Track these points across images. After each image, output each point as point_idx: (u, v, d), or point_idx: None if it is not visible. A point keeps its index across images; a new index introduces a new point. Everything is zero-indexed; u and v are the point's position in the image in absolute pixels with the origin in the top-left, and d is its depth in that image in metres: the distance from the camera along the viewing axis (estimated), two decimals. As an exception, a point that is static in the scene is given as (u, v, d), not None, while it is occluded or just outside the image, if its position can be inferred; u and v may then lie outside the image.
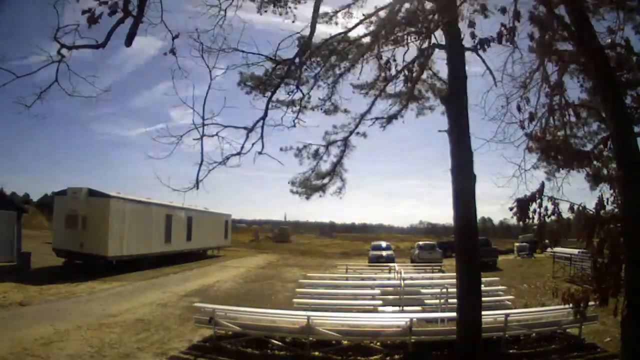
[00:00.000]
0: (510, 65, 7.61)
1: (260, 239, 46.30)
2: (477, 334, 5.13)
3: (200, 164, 6.11)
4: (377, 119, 8.57)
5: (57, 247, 16.81)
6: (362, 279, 15.23)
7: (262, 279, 16.65)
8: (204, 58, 6.07)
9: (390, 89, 8.55)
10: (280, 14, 7.07)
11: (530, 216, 4.58)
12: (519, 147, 7.73)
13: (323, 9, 7.06)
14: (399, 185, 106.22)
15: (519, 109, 7.08)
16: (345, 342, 6.87)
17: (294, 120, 7.52)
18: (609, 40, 6.96)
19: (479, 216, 5.63)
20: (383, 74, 8.22)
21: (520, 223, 4.68)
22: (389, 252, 24.07)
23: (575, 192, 7.79)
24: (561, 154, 6.67)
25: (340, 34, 7.56)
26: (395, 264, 18.82)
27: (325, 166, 8.53)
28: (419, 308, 9.52)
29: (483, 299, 5.81)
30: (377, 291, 11.00)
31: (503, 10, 6.17)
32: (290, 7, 7.04)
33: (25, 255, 15.82)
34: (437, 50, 7.57)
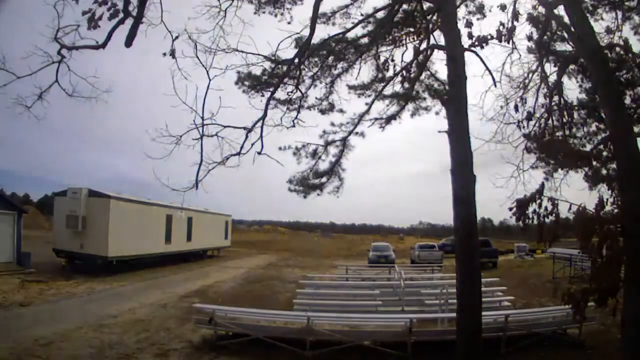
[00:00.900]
0: (509, 66, 7.67)
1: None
2: (477, 334, 5.12)
3: (200, 164, 6.12)
4: (376, 119, 8.57)
5: (57, 247, 16.80)
6: (362, 279, 15.25)
7: (263, 280, 16.63)
8: (203, 59, 6.08)
9: (389, 89, 8.56)
10: (276, 15, 7.09)
11: (530, 216, 4.59)
12: (518, 148, 7.77)
13: (321, 9, 7.09)
14: (399, 185, 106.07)
15: (516, 109, 7.11)
16: (345, 343, 6.87)
17: (293, 120, 7.53)
18: (608, 40, 6.98)
19: (478, 217, 5.62)
20: (381, 75, 8.23)
21: (520, 223, 4.69)
22: (389, 253, 24.02)
23: (575, 192, 7.80)
24: (560, 154, 6.67)
25: (338, 34, 7.57)
26: (395, 265, 18.81)
27: (323, 165, 8.53)
28: (419, 308, 9.52)
29: (483, 299, 5.81)
30: (377, 291, 11.00)
31: (503, 8, 6.19)
32: (287, 8, 7.06)
33: (25, 255, 15.83)
34: (435, 50, 7.59)
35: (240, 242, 36.27)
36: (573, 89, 8.21)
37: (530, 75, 7.89)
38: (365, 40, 7.81)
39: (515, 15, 6.28)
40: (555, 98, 7.63)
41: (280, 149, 8.05)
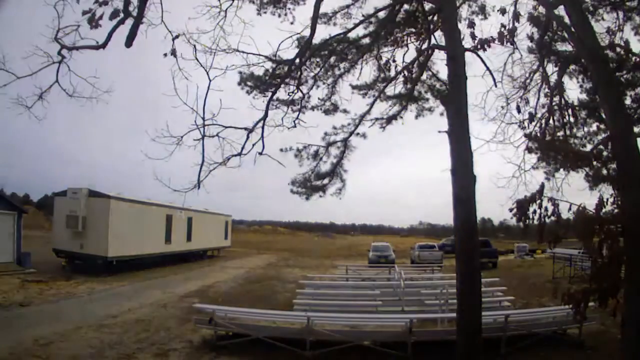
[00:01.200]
0: (510, 66, 7.68)
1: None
2: (477, 334, 5.12)
3: (201, 165, 6.12)
4: (377, 119, 8.57)
5: (57, 247, 16.80)
6: (362, 279, 15.25)
7: (263, 280, 16.63)
8: (204, 59, 6.07)
9: (390, 90, 8.56)
10: (279, 15, 7.09)
11: (530, 217, 4.59)
12: (519, 148, 7.78)
13: (322, 9, 7.08)
14: (398, 185, 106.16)
15: (518, 109, 7.12)
16: (345, 343, 6.86)
17: (294, 121, 7.53)
18: (609, 41, 6.98)
19: (478, 217, 5.62)
20: (382, 75, 8.23)
21: (521, 224, 4.69)
22: (389, 253, 24.01)
23: (575, 192, 7.81)
24: (561, 154, 6.67)
25: (339, 34, 7.57)
26: (395, 265, 18.81)
27: (325, 167, 8.51)
28: (419, 308, 9.52)
29: (483, 299, 5.81)
30: (377, 292, 11.00)
31: (503, 11, 6.20)
32: (289, 9, 7.06)
33: (25, 255, 15.83)
34: (437, 50, 7.59)
35: (240, 242, 36.28)
36: (574, 89, 8.23)
37: (531, 75, 7.90)
38: (366, 40, 7.81)
39: (516, 16, 6.28)
40: (556, 98, 7.64)
41: (281, 150, 8.05)
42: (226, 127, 6.35)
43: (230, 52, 6.50)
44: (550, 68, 7.89)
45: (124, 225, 16.55)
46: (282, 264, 24.63)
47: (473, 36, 6.08)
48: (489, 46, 5.80)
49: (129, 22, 5.29)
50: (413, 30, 7.78)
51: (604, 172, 6.39)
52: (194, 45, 5.95)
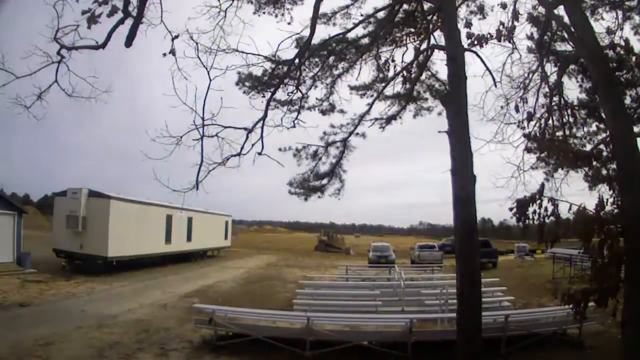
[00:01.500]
0: (509, 66, 7.68)
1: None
2: (477, 334, 5.11)
3: (200, 165, 6.12)
4: (376, 119, 8.56)
5: (57, 247, 16.80)
6: (362, 279, 15.26)
7: (263, 280, 16.62)
8: (204, 59, 6.06)
9: (389, 90, 8.55)
10: (276, 15, 7.09)
11: (530, 217, 4.59)
12: (518, 148, 7.78)
13: (322, 10, 7.08)
14: (399, 186, 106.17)
15: (516, 109, 7.12)
16: (345, 343, 6.86)
17: (293, 121, 7.53)
18: (608, 40, 6.98)
19: (478, 217, 5.62)
20: (381, 75, 8.23)
21: (520, 224, 4.69)
22: (389, 253, 24.02)
23: (575, 192, 7.82)
24: (560, 154, 6.67)
25: (339, 34, 7.57)
26: (396, 265, 18.82)
27: (324, 167, 8.49)
28: (419, 308, 9.51)
29: (483, 299, 5.81)
30: (377, 292, 11.01)
31: (504, 6, 6.19)
32: (287, 9, 7.06)
33: (25, 255, 15.83)
34: (436, 50, 7.59)
35: (241, 242, 36.30)
36: (573, 89, 8.22)
37: (530, 75, 7.90)
38: (365, 40, 7.81)
39: (516, 15, 6.29)
40: (556, 98, 7.64)
41: (280, 149, 8.02)
42: (225, 127, 6.34)
43: (230, 52, 6.51)
44: (550, 68, 7.89)
45: (124, 225, 16.53)
46: (282, 264, 24.62)
47: (470, 36, 6.09)
48: (486, 43, 5.79)
49: (129, 22, 5.29)
50: (412, 30, 7.78)
51: (604, 172, 6.39)
52: (196, 44, 5.95)
